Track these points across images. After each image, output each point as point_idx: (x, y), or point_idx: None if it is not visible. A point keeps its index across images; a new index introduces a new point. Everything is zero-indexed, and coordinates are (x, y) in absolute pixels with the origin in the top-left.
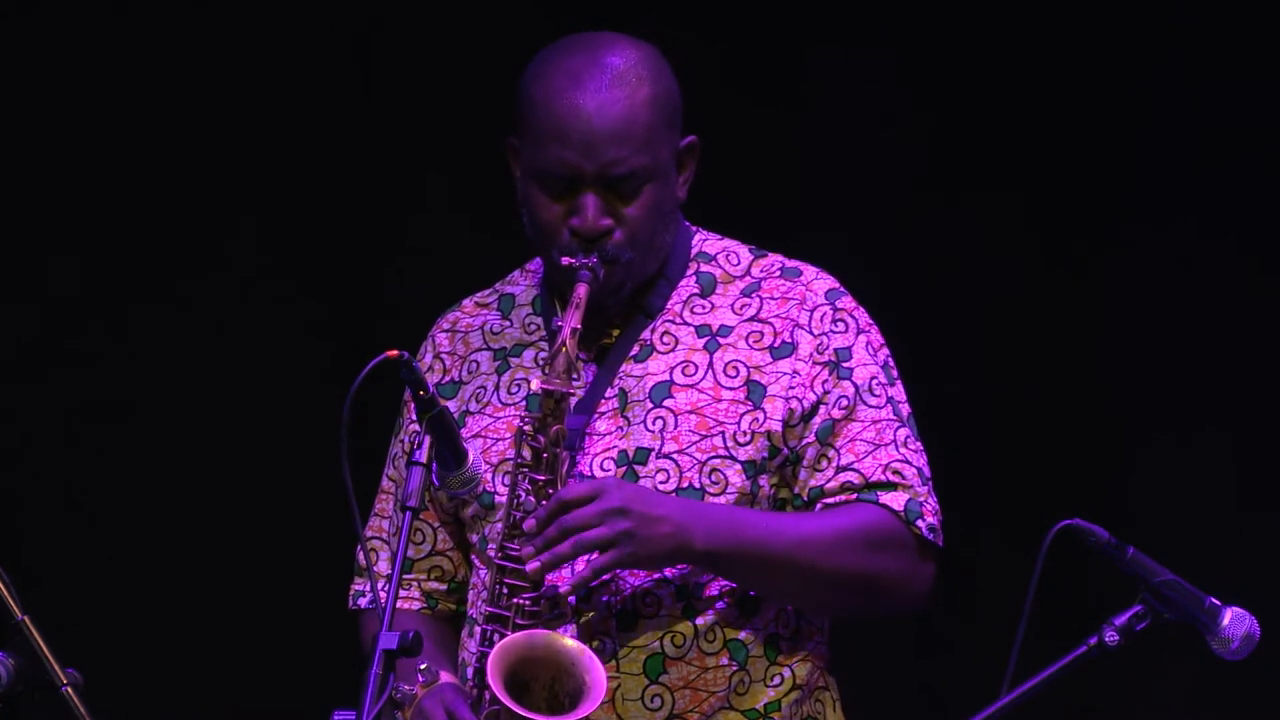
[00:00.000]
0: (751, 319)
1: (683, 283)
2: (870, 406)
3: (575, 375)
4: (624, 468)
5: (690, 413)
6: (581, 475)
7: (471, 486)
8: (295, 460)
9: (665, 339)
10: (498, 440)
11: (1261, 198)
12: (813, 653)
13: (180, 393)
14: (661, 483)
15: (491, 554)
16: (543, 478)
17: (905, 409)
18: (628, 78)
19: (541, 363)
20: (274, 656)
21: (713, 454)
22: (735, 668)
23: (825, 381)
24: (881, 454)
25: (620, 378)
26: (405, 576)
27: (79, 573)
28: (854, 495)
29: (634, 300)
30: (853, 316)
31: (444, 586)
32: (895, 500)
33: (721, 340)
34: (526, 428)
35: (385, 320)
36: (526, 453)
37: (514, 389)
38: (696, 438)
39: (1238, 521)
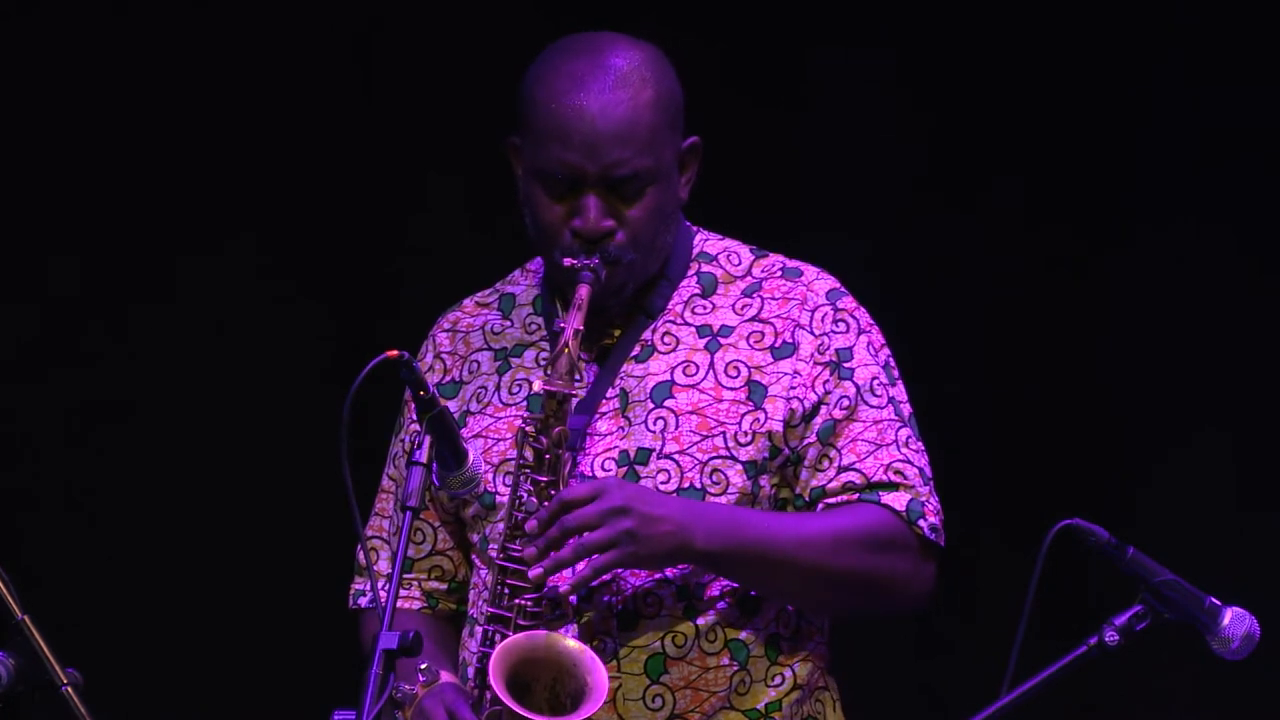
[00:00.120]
0: (752, 319)
1: (684, 283)
2: (871, 406)
3: (577, 376)
4: (625, 468)
5: (691, 413)
6: (583, 476)
7: (471, 486)
8: (295, 460)
9: (666, 339)
10: (499, 440)
11: (1261, 198)
12: (813, 653)
13: (180, 393)
14: (663, 483)
15: (493, 554)
16: (545, 478)
17: (906, 409)
18: (631, 79)
19: (542, 363)
20: (274, 656)
21: (714, 454)
22: (736, 668)
23: (826, 382)
24: (883, 454)
25: (621, 378)
26: (406, 576)
27: (79, 573)
28: (856, 495)
29: (635, 301)
30: (854, 317)
31: (444, 586)
32: (897, 500)
33: (722, 340)
34: (529, 429)
35: (385, 320)
36: (528, 453)
37: (515, 389)
38: (698, 438)
39: (1238, 521)
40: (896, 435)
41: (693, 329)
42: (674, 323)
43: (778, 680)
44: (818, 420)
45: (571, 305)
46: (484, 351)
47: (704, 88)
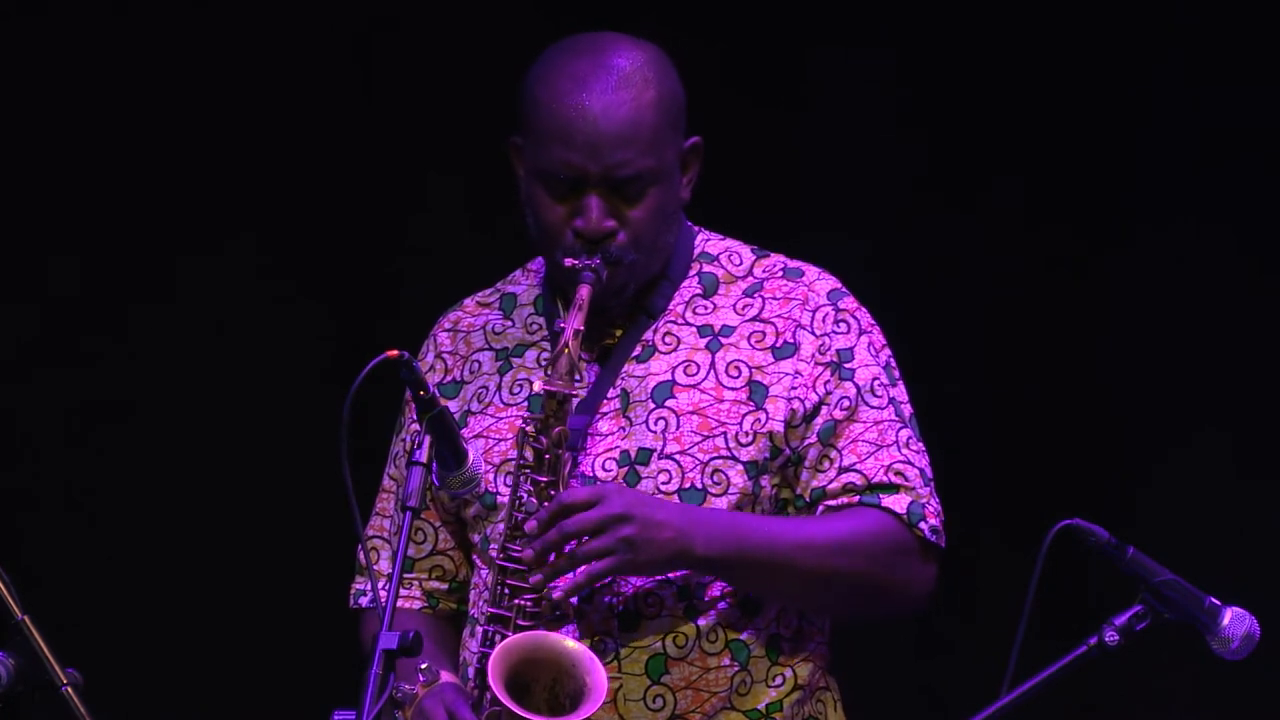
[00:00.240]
0: (754, 319)
1: (685, 283)
2: (872, 407)
3: (578, 376)
4: (626, 468)
5: (692, 413)
6: (583, 476)
7: (472, 486)
8: (295, 460)
9: (667, 339)
10: (499, 440)
11: (1261, 198)
12: (814, 653)
13: (180, 393)
14: (664, 483)
15: (493, 554)
16: (545, 479)
17: (907, 410)
18: (633, 80)
19: (544, 363)
20: (274, 656)
21: (715, 454)
22: (737, 668)
23: (827, 382)
24: (883, 455)
25: (622, 378)
26: (406, 576)
27: (79, 573)
28: (856, 497)
29: (636, 301)
30: (855, 317)
31: (445, 586)
32: (897, 503)
33: (723, 340)
34: (529, 429)
35: (385, 320)
36: (529, 454)
37: (516, 389)
38: (698, 438)
39: (1238, 521)
40: (897, 436)
41: (694, 329)
42: (675, 323)
43: (778, 681)
44: (818, 421)
45: (572, 305)
46: (485, 351)
47: (704, 88)
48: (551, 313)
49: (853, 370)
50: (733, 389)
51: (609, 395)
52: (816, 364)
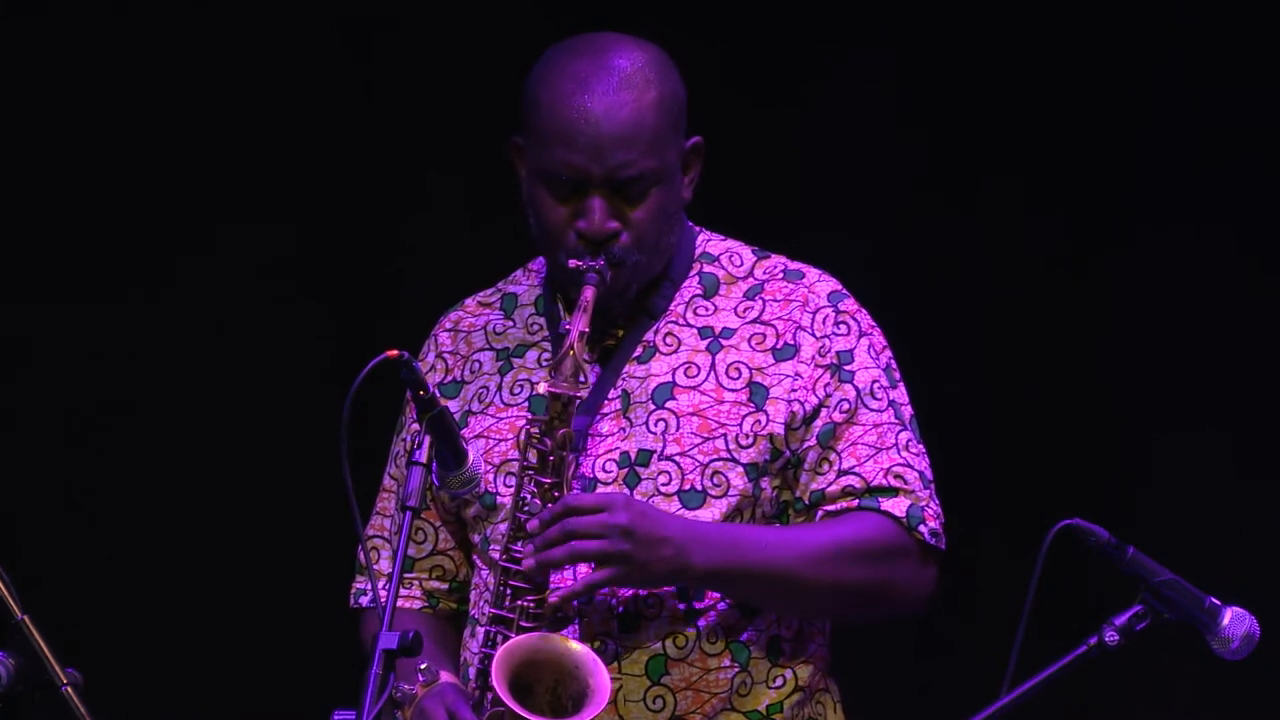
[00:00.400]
0: (754, 321)
1: (686, 284)
2: (872, 410)
3: (582, 378)
4: (625, 469)
5: (692, 415)
6: (583, 478)
7: (471, 486)
8: (295, 460)
9: (668, 340)
10: (500, 441)
11: (1261, 198)
12: (814, 655)
13: (180, 393)
14: (663, 485)
15: (494, 555)
16: (548, 480)
17: (907, 412)
18: (635, 80)
19: (544, 363)
20: (274, 656)
21: (714, 456)
22: (737, 669)
23: (827, 384)
24: (883, 458)
25: (623, 379)
26: (407, 575)
27: (79, 573)
28: (855, 500)
29: (637, 301)
30: (855, 319)
31: (445, 586)
32: (897, 506)
33: (724, 342)
34: (533, 430)
35: (385, 320)
36: (532, 455)
37: (517, 389)
38: (698, 440)
39: (1238, 521)
40: (897, 439)
41: (694, 330)
42: (676, 324)
43: (779, 682)
44: (818, 423)
45: (576, 307)
46: (486, 351)
47: (704, 88)
48: (552, 313)
49: (853, 373)
50: (733, 391)
51: (610, 396)
52: (816, 366)
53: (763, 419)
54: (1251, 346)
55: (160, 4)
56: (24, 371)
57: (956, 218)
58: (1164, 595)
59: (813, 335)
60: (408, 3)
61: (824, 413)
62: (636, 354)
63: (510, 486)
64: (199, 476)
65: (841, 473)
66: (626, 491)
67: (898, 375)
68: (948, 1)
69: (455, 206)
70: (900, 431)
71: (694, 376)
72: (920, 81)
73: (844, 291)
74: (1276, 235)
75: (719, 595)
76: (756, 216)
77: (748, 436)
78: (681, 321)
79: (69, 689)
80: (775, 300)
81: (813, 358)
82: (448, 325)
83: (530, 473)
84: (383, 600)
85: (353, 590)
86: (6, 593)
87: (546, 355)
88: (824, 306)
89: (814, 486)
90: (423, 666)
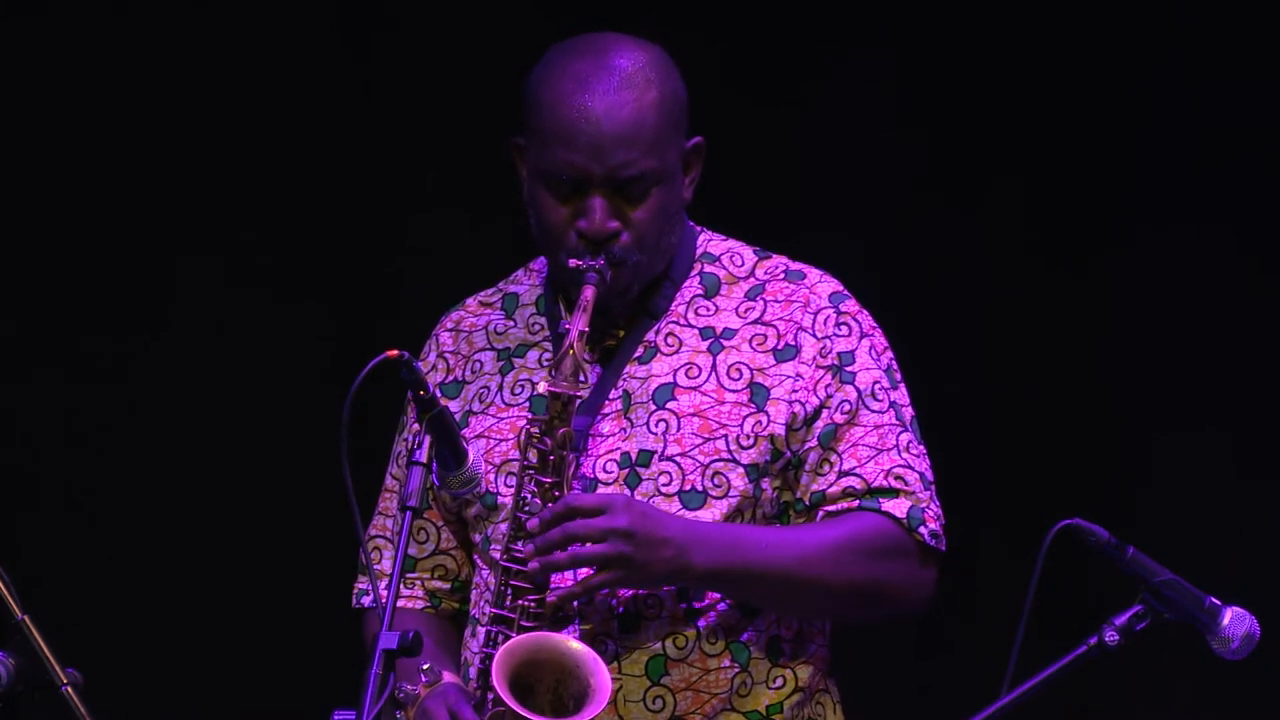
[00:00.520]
0: (755, 321)
1: (687, 284)
2: (873, 411)
3: (582, 378)
4: (626, 469)
5: (693, 415)
6: (584, 478)
7: (472, 486)
8: (295, 460)
9: (669, 340)
10: (501, 440)
11: (1261, 198)
12: (814, 655)
13: (180, 392)
14: (664, 485)
15: (495, 555)
16: (549, 480)
17: (908, 413)
18: (635, 80)
19: (545, 363)
20: (274, 656)
21: (715, 457)
22: (737, 669)
23: (828, 385)
24: (884, 459)
25: (624, 379)
26: (409, 575)
27: (79, 573)
28: (856, 501)
29: (638, 302)
30: (856, 320)
31: (447, 585)
32: (897, 507)
33: (725, 343)
34: (533, 430)
35: (385, 320)
36: (532, 455)
37: (518, 389)
38: (699, 440)
39: (1238, 521)
40: (898, 440)
41: (695, 331)
42: (677, 324)
43: (779, 682)
44: (819, 424)
45: (576, 307)
46: (487, 351)
47: (704, 88)
48: (554, 313)
49: (854, 374)
50: (734, 391)
51: (611, 396)
52: (817, 367)
53: (764, 420)
54: (1251, 346)
55: (160, 4)
56: (24, 372)
57: (956, 218)
58: (1164, 595)
59: (814, 336)
60: (408, 3)
61: (825, 414)
62: (637, 354)
63: (511, 486)
64: (199, 477)
65: (842, 474)
66: (627, 492)
67: (899, 376)
68: (948, 1)
69: (455, 206)
70: (901, 433)
71: (695, 377)
72: (920, 81)
73: (845, 292)
74: (1276, 235)
75: (719, 595)
76: (756, 216)
77: (749, 437)
78: (682, 322)
79: (69, 689)
80: (776, 301)
81: (814, 359)
82: (449, 325)
83: (530, 472)
84: (384, 600)
85: (355, 590)
86: (6, 593)
87: (548, 355)
88: (825, 307)
89: (815, 487)
90: (425, 667)
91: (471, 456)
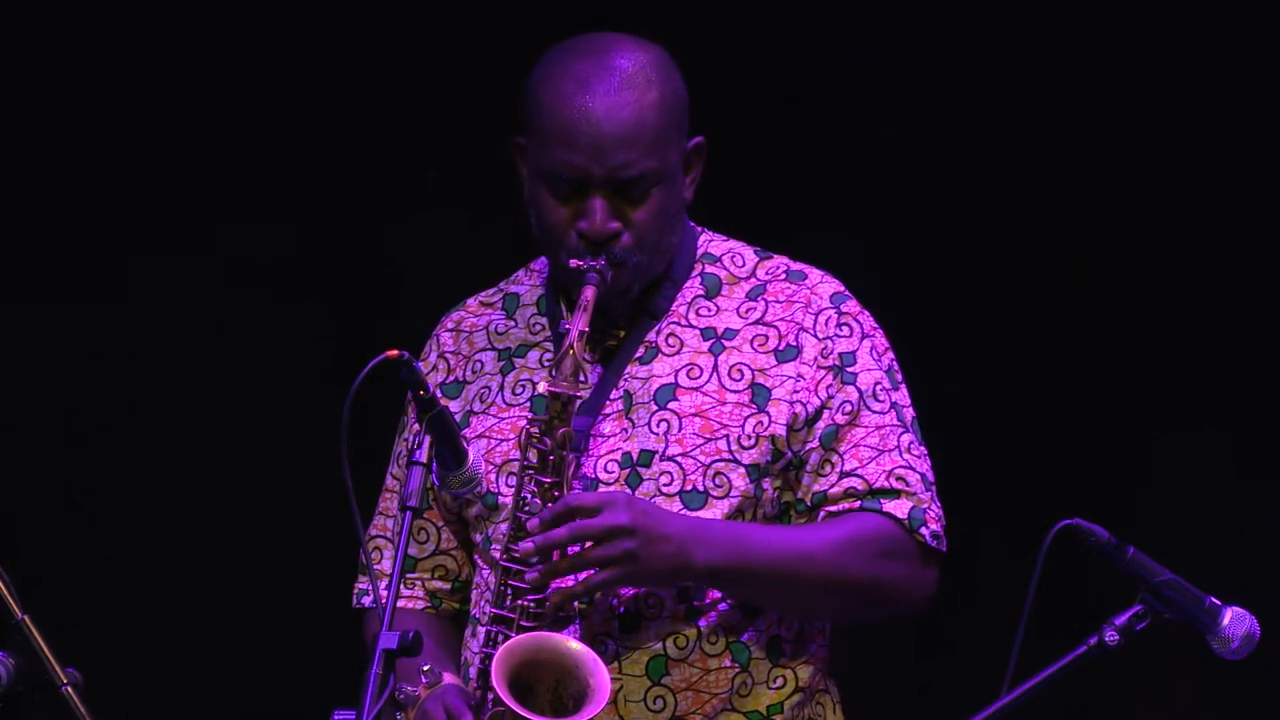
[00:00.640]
0: (756, 322)
1: (688, 284)
2: (874, 412)
3: (582, 378)
4: (627, 469)
5: (694, 415)
6: (585, 478)
7: (472, 486)
8: (295, 460)
9: (670, 341)
10: (502, 441)
11: (1261, 198)
12: (815, 655)
13: (180, 393)
14: (665, 485)
15: (495, 555)
16: (549, 480)
17: (909, 414)
18: (636, 80)
19: (546, 363)
20: (274, 656)
21: (716, 457)
22: (737, 669)
23: (829, 386)
24: (885, 460)
25: (625, 379)
26: (409, 575)
27: (79, 573)
28: (857, 502)
29: (639, 302)
30: (857, 321)
31: (448, 586)
32: (898, 508)
33: (726, 343)
34: (533, 430)
35: (385, 320)
36: (532, 455)
37: (519, 390)
38: (701, 441)
39: (1238, 521)
40: (899, 441)
41: (696, 331)
42: (678, 324)
43: (779, 682)
44: (820, 425)
45: (577, 307)
46: (487, 351)
47: (704, 88)
48: (554, 313)
49: (855, 374)
50: (735, 392)
51: (612, 397)
52: (819, 368)
53: (765, 420)
54: (1251, 346)
55: (160, 4)
56: (25, 372)
57: (956, 218)
58: (1164, 595)
59: (815, 337)
60: (408, 3)
61: (826, 414)
62: (639, 355)
63: (512, 486)
64: (199, 477)
65: (843, 474)
66: (628, 491)
67: (900, 377)
68: (947, 1)
69: (455, 206)
70: (902, 433)
71: (696, 377)
72: (920, 81)
73: (846, 293)
74: (1276, 235)
75: (719, 595)
76: (756, 216)
77: (750, 437)
78: (684, 322)
79: (69, 689)
80: (778, 301)
81: (815, 359)
82: (449, 325)
83: (531, 472)
84: (384, 600)
85: (355, 590)
86: (6, 593)
87: (548, 355)
88: (826, 308)
89: (816, 488)
90: (425, 668)
91: (471, 456)
